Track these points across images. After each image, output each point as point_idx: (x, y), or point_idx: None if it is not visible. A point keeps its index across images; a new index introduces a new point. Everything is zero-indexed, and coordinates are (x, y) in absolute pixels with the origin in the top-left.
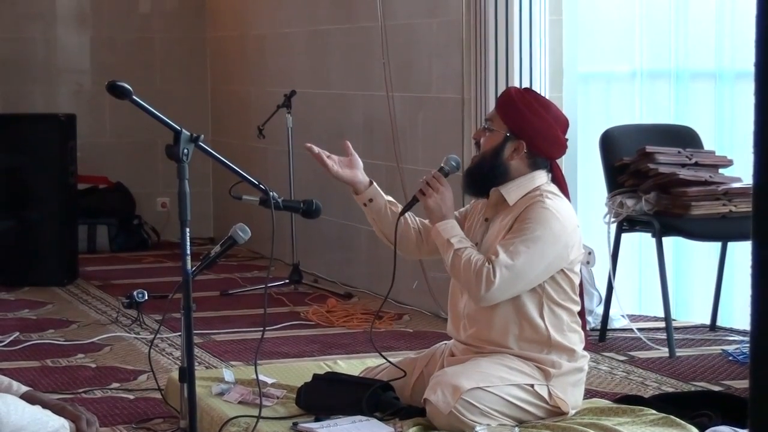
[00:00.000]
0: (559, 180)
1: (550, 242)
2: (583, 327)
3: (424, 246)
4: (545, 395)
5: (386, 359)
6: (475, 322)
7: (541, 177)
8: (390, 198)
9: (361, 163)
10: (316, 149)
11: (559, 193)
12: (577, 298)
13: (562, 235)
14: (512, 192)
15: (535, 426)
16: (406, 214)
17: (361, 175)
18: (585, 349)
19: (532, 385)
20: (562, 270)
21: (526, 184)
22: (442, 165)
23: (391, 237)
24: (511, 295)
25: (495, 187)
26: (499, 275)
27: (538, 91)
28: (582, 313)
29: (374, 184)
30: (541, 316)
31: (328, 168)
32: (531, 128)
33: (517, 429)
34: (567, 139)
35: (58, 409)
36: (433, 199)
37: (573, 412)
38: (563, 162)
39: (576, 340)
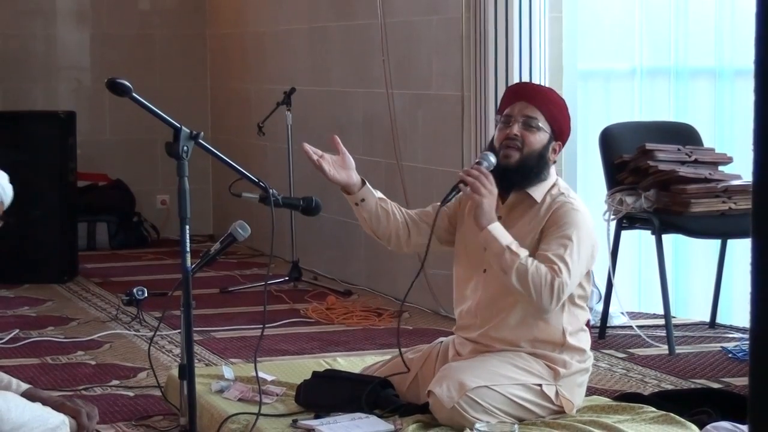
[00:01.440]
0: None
1: (588, 244)
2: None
3: (411, 240)
4: (552, 395)
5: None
6: (488, 320)
7: (554, 172)
8: (380, 195)
9: (353, 162)
10: (314, 156)
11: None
12: (589, 291)
13: (592, 234)
14: (537, 191)
15: (535, 424)
16: (393, 206)
17: (354, 176)
18: None
19: (540, 385)
20: None
21: (547, 181)
22: (479, 161)
23: (379, 234)
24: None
25: (522, 189)
26: (564, 286)
27: None
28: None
29: (366, 184)
30: (561, 315)
31: (325, 172)
32: (566, 128)
33: (516, 426)
34: None
35: (57, 406)
36: (488, 200)
37: (574, 411)
38: (563, 159)
39: (586, 340)
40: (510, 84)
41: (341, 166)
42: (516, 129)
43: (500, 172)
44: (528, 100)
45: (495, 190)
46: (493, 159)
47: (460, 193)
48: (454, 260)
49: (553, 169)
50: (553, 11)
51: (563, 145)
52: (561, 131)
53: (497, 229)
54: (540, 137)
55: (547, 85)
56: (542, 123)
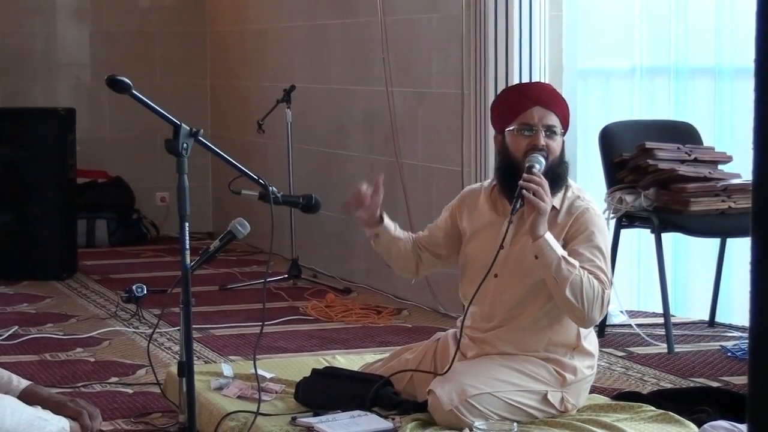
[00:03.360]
0: None
1: (609, 247)
2: None
3: (420, 272)
4: (556, 402)
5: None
6: (501, 324)
7: None
8: (395, 232)
9: (380, 199)
10: (364, 197)
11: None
12: None
13: (608, 238)
14: (555, 197)
15: (534, 423)
16: (406, 241)
17: (377, 214)
18: None
19: (545, 392)
20: None
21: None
22: (531, 164)
23: (391, 264)
24: None
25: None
26: (609, 298)
27: None
28: None
29: (384, 220)
30: None
31: (360, 215)
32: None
33: (515, 426)
34: None
35: (59, 407)
36: (546, 211)
37: (575, 411)
38: None
39: (595, 343)
40: (510, 83)
41: (371, 205)
42: (542, 139)
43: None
44: (545, 105)
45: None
46: (543, 159)
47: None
48: (460, 266)
49: None
50: (553, 9)
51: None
52: (567, 127)
53: (552, 239)
54: (560, 142)
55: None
56: (559, 126)
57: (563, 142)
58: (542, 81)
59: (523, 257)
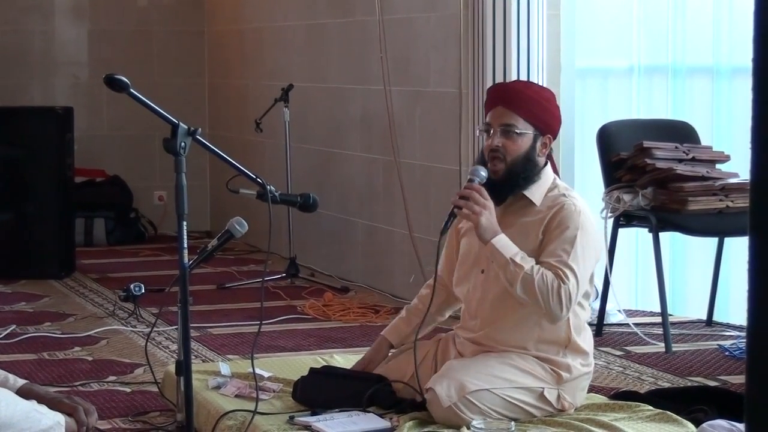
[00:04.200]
0: (553, 166)
1: (592, 245)
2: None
3: (449, 312)
4: (553, 399)
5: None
6: (489, 322)
7: (550, 170)
8: (404, 333)
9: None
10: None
11: (572, 188)
12: (591, 289)
13: (595, 234)
14: (536, 192)
15: (532, 422)
16: (419, 313)
17: (384, 351)
18: None
19: (542, 389)
20: None
21: (543, 182)
22: (471, 177)
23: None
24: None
25: (520, 191)
26: (573, 291)
27: None
28: None
29: (393, 344)
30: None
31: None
32: (552, 119)
33: (513, 425)
34: None
35: (54, 403)
36: (485, 216)
37: (572, 410)
38: (560, 157)
39: (589, 339)
40: (507, 81)
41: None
42: (496, 140)
43: (490, 185)
44: (505, 104)
45: (490, 203)
46: (483, 173)
47: (457, 218)
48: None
49: (548, 169)
50: (550, 9)
51: (555, 137)
52: (547, 125)
53: (500, 241)
54: (521, 142)
55: (544, 83)
56: (522, 127)
57: (536, 141)
58: (540, 80)
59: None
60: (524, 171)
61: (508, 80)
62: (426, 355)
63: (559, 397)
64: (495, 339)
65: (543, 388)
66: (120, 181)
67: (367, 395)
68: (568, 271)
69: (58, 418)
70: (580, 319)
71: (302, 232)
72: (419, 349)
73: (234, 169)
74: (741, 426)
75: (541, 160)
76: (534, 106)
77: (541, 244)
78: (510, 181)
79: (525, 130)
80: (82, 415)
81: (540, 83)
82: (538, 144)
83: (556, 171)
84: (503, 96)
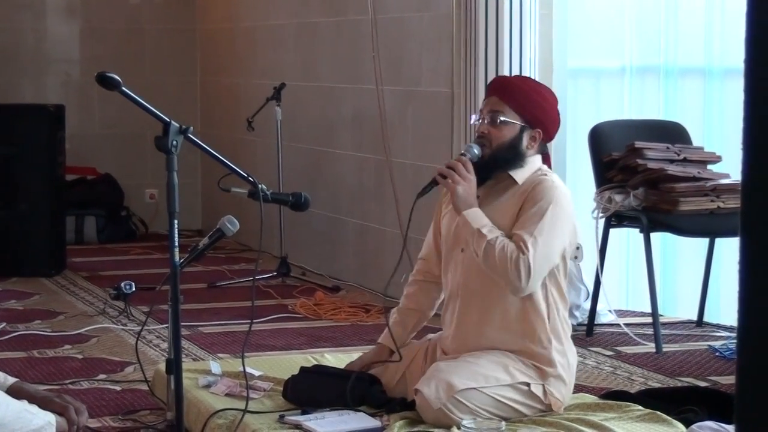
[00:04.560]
0: (546, 160)
1: (565, 219)
2: None
3: (437, 302)
4: (540, 394)
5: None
6: (466, 301)
7: (539, 159)
8: (408, 328)
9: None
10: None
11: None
12: (565, 287)
13: (571, 211)
14: (519, 173)
15: (522, 422)
16: (413, 312)
17: (384, 353)
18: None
19: (528, 384)
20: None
21: (530, 166)
22: (463, 152)
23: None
24: (545, 275)
25: (503, 172)
26: (533, 262)
27: None
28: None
29: (394, 350)
30: (546, 300)
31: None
32: (545, 116)
33: (503, 424)
34: None
35: (45, 402)
36: (462, 186)
37: (562, 409)
38: (552, 156)
39: (566, 328)
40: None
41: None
42: (483, 127)
43: (477, 167)
44: (497, 94)
45: (471, 177)
46: (476, 150)
47: (438, 185)
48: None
49: (537, 158)
50: (543, 9)
51: (547, 133)
52: (536, 119)
53: (471, 213)
54: (506, 131)
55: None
56: (508, 115)
57: (522, 132)
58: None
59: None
60: (506, 157)
61: (502, 75)
62: (416, 356)
63: (545, 392)
64: (476, 331)
65: (529, 383)
66: (111, 179)
67: (348, 390)
68: (529, 242)
69: (49, 418)
70: (556, 302)
71: (293, 231)
72: (408, 350)
73: (226, 168)
74: (729, 427)
75: (530, 153)
76: (524, 99)
77: (517, 218)
78: (491, 164)
79: (512, 119)
80: (72, 414)
81: None
82: (525, 136)
83: (548, 161)
84: (498, 86)
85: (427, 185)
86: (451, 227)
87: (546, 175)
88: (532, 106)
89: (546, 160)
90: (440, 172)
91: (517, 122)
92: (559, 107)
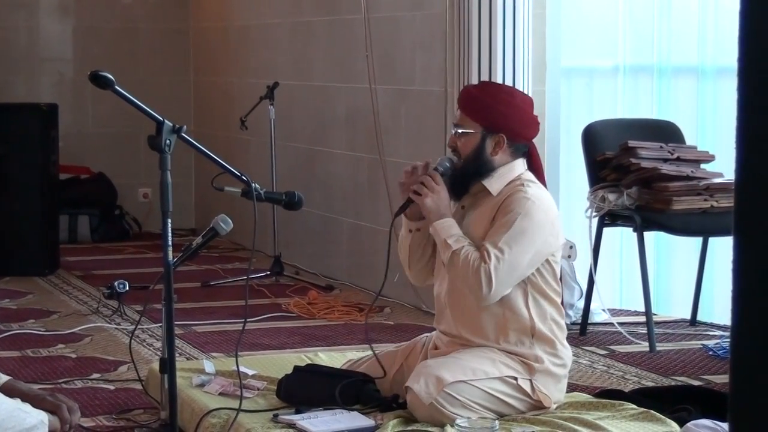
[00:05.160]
0: (536, 165)
1: (535, 231)
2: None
3: (428, 281)
4: (528, 389)
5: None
6: (458, 314)
7: (520, 165)
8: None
9: None
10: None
11: (537, 182)
12: (559, 288)
13: (546, 223)
14: (494, 183)
15: (515, 420)
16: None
17: None
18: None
19: (515, 378)
20: (545, 259)
21: (507, 174)
22: (435, 166)
23: (411, 265)
24: (509, 289)
25: (477, 182)
26: (495, 272)
27: (521, 86)
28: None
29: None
30: (526, 306)
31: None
32: (506, 119)
33: (497, 422)
34: (537, 116)
35: (38, 401)
36: (431, 198)
37: (554, 406)
38: (545, 156)
39: (558, 332)
40: (493, 81)
41: None
42: (451, 140)
43: (450, 180)
44: (459, 105)
45: (439, 188)
46: (447, 163)
47: (413, 202)
48: None
49: (519, 162)
50: (536, 8)
51: (514, 136)
52: (495, 125)
53: (440, 224)
54: (468, 141)
55: (530, 82)
56: (468, 126)
57: (484, 140)
58: (526, 79)
59: (470, 236)
60: (476, 168)
61: (493, 80)
62: (413, 350)
63: (533, 388)
64: (465, 330)
65: (516, 377)
66: (105, 178)
67: (337, 393)
68: (492, 252)
69: (42, 417)
70: (544, 310)
71: (287, 230)
72: (403, 349)
73: (219, 167)
74: (725, 425)
75: (498, 158)
76: (480, 106)
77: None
78: (461, 176)
79: (471, 129)
80: (65, 413)
81: (525, 82)
82: (488, 143)
83: (539, 169)
84: (459, 98)
85: (402, 205)
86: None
87: (523, 185)
88: (488, 112)
89: (534, 163)
90: (414, 190)
91: (476, 130)
92: (553, 107)
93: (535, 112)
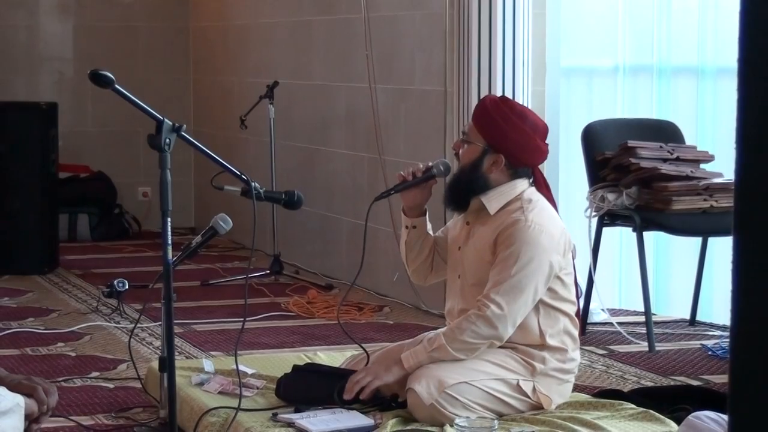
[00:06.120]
0: (540, 184)
1: (542, 258)
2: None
3: (429, 280)
4: (529, 391)
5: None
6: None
7: (522, 184)
8: (429, 231)
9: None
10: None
11: (539, 197)
12: (572, 297)
13: (551, 247)
14: (493, 201)
15: (515, 419)
16: (431, 245)
17: (425, 205)
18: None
19: (517, 380)
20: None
21: (507, 193)
22: (430, 165)
23: (408, 262)
24: (525, 314)
25: (476, 196)
26: (498, 312)
27: (521, 85)
28: (577, 314)
29: (426, 215)
30: (537, 322)
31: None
32: (508, 141)
33: (496, 422)
34: (548, 145)
35: (13, 385)
36: (380, 378)
37: (554, 407)
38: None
39: (569, 342)
40: (493, 80)
41: (425, 191)
42: (455, 142)
43: (448, 189)
44: (473, 114)
45: (373, 367)
46: (442, 167)
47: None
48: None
49: (520, 182)
50: (536, 8)
51: (514, 159)
52: (498, 144)
53: (408, 361)
54: (469, 151)
55: (529, 82)
56: (473, 137)
57: (484, 155)
58: (525, 79)
59: (475, 256)
60: (470, 181)
61: (492, 80)
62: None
63: (534, 389)
64: None
65: (518, 379)
66: (104, 177)
67: (335, 393)
68: (493, 298)
69: (18, 400)
70: (557, 321)
71: (286, 230)
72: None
73: (219, 166)
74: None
75: (494, 177)
76: (489, 122)
77: (493, 254)
78: (456, 186)
79: (475, 141)
80: (41, 395)
81: (525, 82)
82: (487, 159)
83: (545, 185)
84: (475, 108)
85: (386, 191)
86: (451, 254)
87: (523, 209)
88: (494, 129)
89: (539, 182)
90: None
91: (479, 144)
92: (552, 106)
93: (535, 113)
